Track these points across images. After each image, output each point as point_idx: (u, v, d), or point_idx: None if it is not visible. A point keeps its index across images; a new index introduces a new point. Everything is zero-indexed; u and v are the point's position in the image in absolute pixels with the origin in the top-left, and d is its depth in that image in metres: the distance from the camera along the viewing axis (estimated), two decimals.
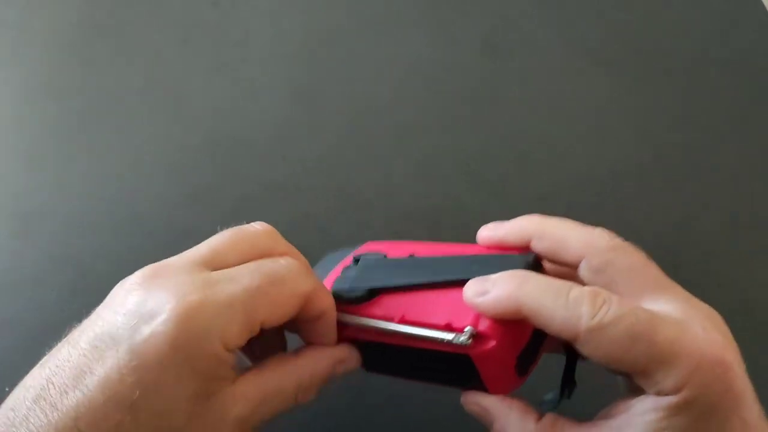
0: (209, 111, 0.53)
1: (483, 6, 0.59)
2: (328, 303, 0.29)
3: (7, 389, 0.27)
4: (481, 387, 0.28)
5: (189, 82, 0.54)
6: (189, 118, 0.53)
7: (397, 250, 0.33)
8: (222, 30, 0.57)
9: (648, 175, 0.51)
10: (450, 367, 0.28)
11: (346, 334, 0.30)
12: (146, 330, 0.24)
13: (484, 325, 0.26)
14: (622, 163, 0.51)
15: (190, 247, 0.48)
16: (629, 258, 0.26)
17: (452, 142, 0.52)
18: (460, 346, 0.26)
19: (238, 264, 0.28)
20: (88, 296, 0.45)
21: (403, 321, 0.28)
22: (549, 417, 0.27)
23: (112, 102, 0.53)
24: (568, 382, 0.29)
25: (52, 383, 0.24)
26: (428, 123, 0.53)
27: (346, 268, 0.32)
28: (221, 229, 0.31)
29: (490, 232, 0.30)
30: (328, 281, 0.32)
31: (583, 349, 0.24)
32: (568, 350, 0.28)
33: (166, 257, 0.47)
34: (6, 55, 0.56)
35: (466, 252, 0.31)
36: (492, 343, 0.26)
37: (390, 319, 0.29)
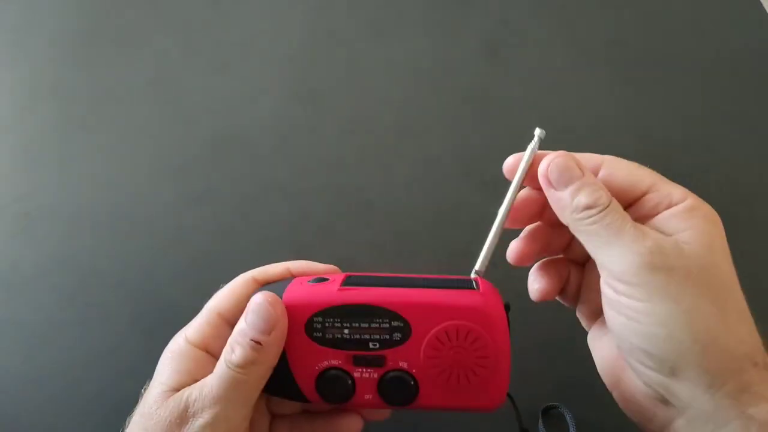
0: (210, 111, 0.53)
1: (484, 7, 0.59)
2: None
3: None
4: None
5: (190, 82, 0.54)
6: (189, 118, 0.53)
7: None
8: (223, 30, 0.57)
9: None
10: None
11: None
12: None
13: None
14: None
15: (189, 246, 0.48)
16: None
17: (452, 143, 0.52)
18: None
19: None
20: (88, 297, 0.45)
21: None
22: None
23: (113, 102, 0.53)
24: None
25: None
26: (429, 123, 0.53)
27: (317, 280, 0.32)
28: None
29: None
30: (298, 283, 0.31)
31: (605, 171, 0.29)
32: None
33: (167, 257, 0.48)
34: (7, 55, 0.56)
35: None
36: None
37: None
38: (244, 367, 0.28)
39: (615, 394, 0.30)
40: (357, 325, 0.29)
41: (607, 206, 0.27)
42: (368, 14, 0.58)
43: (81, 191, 0.49)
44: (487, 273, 0.31)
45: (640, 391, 0.27)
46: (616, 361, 0.29)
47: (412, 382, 0.29)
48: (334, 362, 0.29)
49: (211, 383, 0.28)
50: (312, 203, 0.49)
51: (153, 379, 0.30)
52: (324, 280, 0.31)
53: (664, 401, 0.26)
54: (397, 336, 0.29)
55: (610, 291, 0.27)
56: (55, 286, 0.45)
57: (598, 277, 0.28)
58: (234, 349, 0.28)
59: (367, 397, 0.30)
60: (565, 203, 0.28)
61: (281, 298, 0.29)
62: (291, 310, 0.29)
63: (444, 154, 0.51)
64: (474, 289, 0.30)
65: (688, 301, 0.25)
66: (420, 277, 0.31)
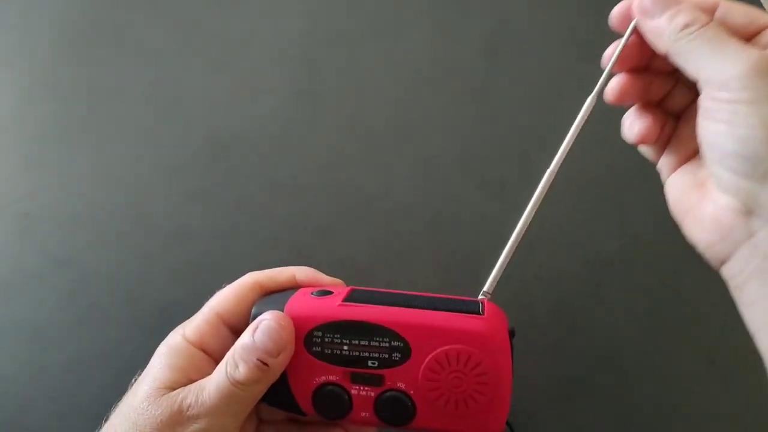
0: (210, 111, 0.53)
1: (483, 7, 0.59)
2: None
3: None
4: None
5: (189, 81, 0.54)
6: (189, 117, 0.53)
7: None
8: (222, 29, 0.57)
9: (648, 175, 0.51)
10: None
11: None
12: None
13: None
14: (622, 163, 0.51)
15: (189, 246, 0.48)
16: None
17: (452, 142, 0.52)
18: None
19: None
20: (88, 297, 0.45)
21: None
22: None
23: (113, 102, 0.53)
24: None
25: None
26: (428, 123, 0.53)
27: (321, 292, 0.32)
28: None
29: None
30: (301, 295, 0.31)
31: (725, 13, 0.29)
32: None
33: (167, 257, 0.48)
34: (6, 55, 0.56)
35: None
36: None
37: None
38: (247, 384, 0.27)
39: (687, 221, 0.30)
40: (356, 342, 0.29)
41: (707, 23, 0.28)
42: (368, 14, 0.58)
43: (81, 191, 0.49)
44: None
45: (720, 207, 0.27)
46: (693, 191, 0.30)
47: (409, 404, 0.29)
48: (332, 378, 0.29)
49: (209, 391, 0.27)
50: (312, 203, 0.49)
51: (145, 372, 0.30)
52: (328, 293, 0.30)
53: (748, 212, 0.26)
54: (396, 356, 0.28)
55: (711, 103, 0.27)
56: (55, 286, 0.45)
57: (693, 124, 0.28)
58: (238, 365, 0.27)
59: (363, 414, 0.29)
60: (663, 28, 0.29)
61: (283, 309, 0.29)
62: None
63: (444, 154, 0.51)
64: (479, 313, 0.29)
65: None
66: (426, 296, 0.31)
